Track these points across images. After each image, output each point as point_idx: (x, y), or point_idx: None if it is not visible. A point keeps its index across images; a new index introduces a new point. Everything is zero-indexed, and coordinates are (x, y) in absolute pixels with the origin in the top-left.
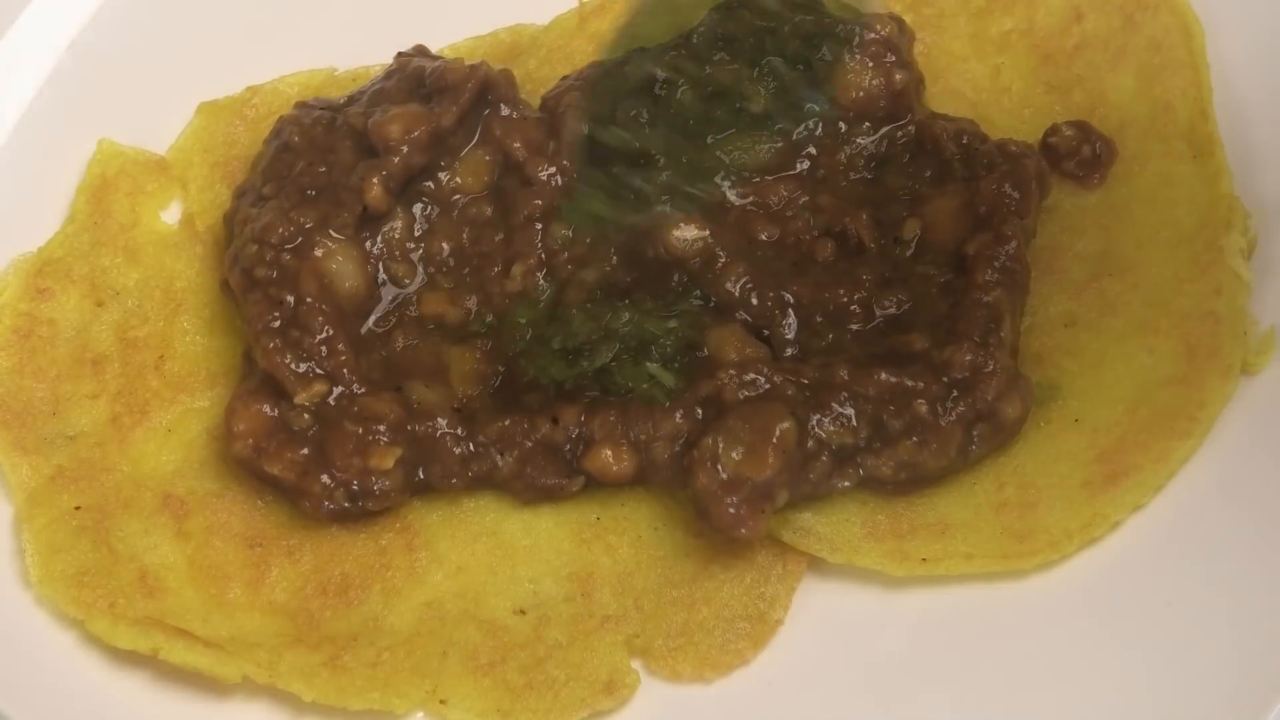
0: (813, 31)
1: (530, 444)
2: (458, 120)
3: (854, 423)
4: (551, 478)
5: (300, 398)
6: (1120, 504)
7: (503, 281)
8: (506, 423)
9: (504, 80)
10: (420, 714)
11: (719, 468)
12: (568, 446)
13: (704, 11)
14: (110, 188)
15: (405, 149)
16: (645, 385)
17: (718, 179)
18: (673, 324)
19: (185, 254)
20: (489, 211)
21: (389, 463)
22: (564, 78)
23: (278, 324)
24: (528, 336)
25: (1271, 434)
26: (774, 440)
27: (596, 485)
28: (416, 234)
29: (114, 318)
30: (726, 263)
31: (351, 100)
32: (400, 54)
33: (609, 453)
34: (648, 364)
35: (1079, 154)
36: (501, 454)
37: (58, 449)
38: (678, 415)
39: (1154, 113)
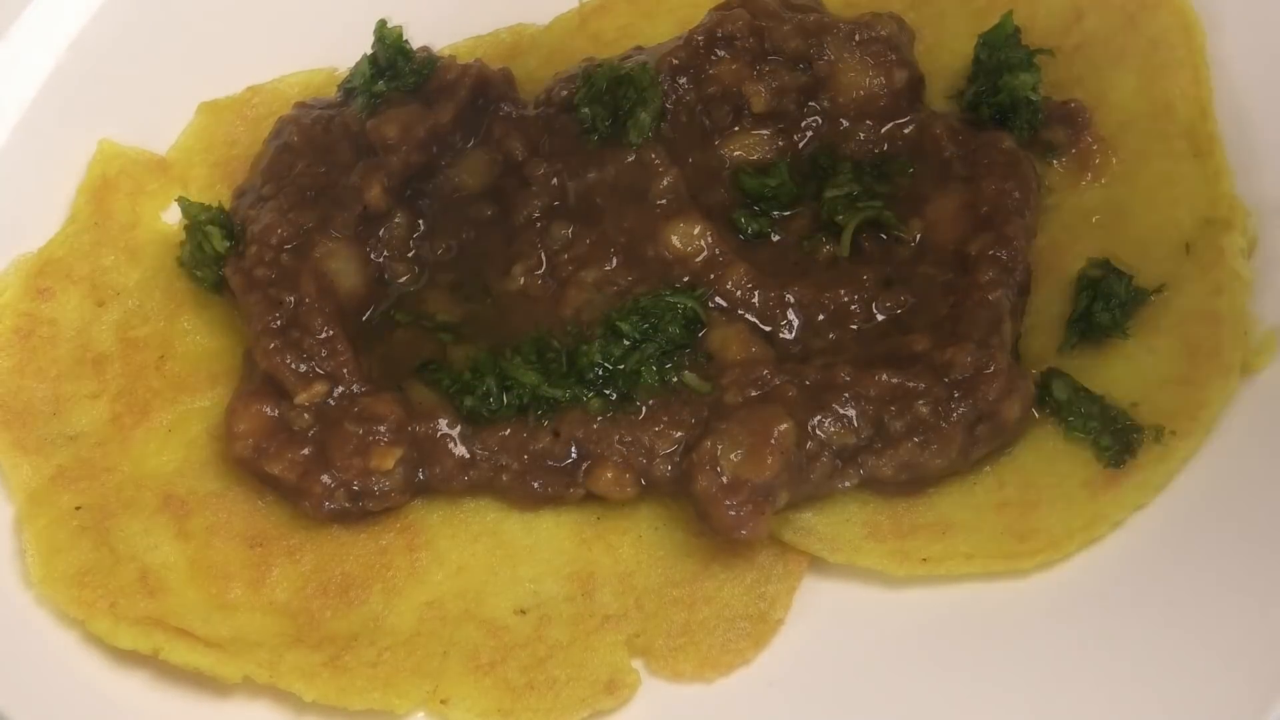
0: (813, 31)
1: (529, 455)
2: (454, 118)
3: (855, 423)
4: (551, 487)
5: (301, 398)
6: (1121, 504)
7: (503, 281)
8: (507, 431)
9: (501, 79)
10: (421, 714)
11: (718, 470)
12: (568, 460)
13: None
14: (111, 188)
15: (404, 148)
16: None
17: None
18: (674, 329)
19: None
20: (489, 211)
21: (390, 463)
22: (556, 74)
23: (278, 324)
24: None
25: (1271, 434)
26: (773, 442)
27: None
28: (416, 234)
29: (115, 317)
30: (727, 263)
31: (347, 96)
32: None
33: (611, 475)
34: (685, 374)
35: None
36: (501, 462)
37: (58, 449)
38: (677, 433)
39: (1154, 112)
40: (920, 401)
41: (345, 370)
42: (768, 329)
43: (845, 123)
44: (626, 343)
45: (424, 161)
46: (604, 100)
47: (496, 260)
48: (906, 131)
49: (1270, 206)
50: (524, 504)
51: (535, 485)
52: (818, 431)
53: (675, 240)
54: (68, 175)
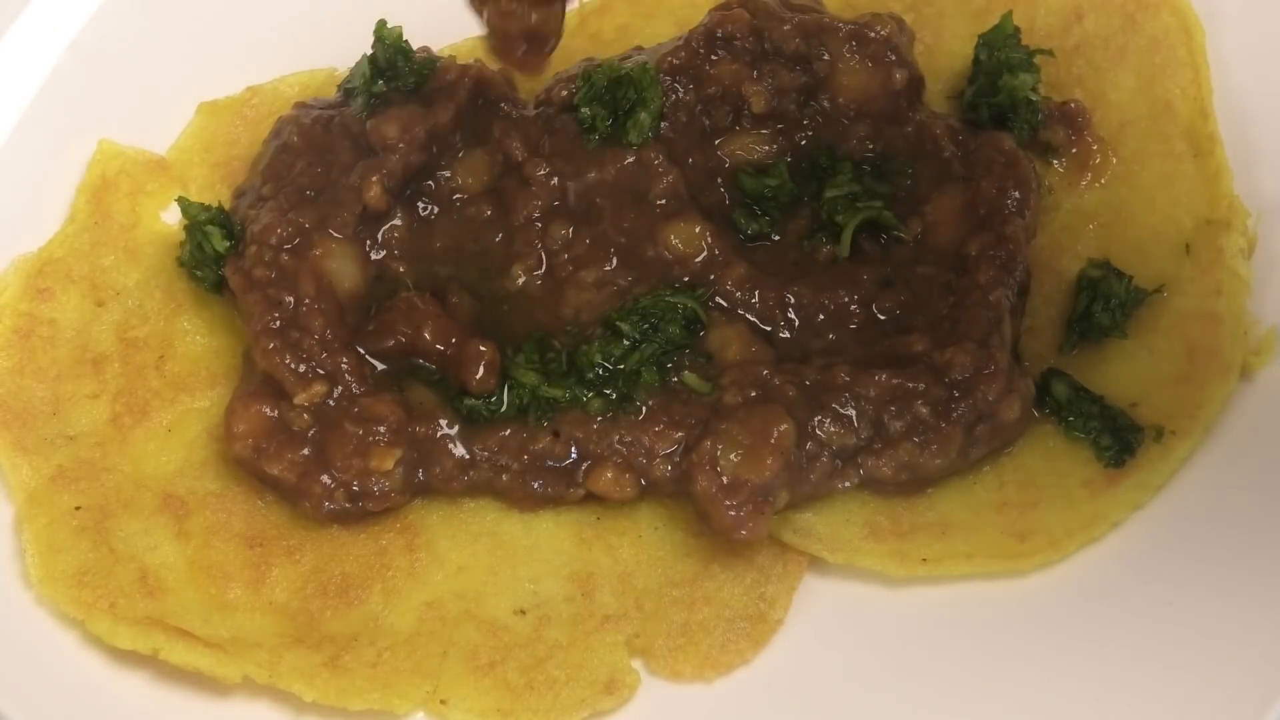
0: (812, 31)
1: (529, 455)
2: (454, 119)
3: (855, 424)
4: (551, 487)
5: (300, 398)
6: (1121, 504)
7: (502, 281)
8: (507, 432)
9: (501, 79)
10: (420, 714)
11: (718, 470)
12: (568, 461)
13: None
14: (110, 188)
15: (403, 148)
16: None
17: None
18: (674, 329)
19: None
20: (489, 211)
21: (389, 463)
22: (556, 74)
23: (277, 324)
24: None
25: (1271, 434)
26: (773, 442)
27: None
28: (416, 234)
29: (114, 318)
30: (727, 263)
31: (347, 96)
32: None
33: (610, 475)
34: (685, 374)
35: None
36: (501, 463)
37: (58, 449)
38: (677, 433)
39: (1154, 112)
40: (920, 402)
41: (344, 370)
42: (767, 329)
43: (845, 123)
44: (626, 343)
45: (423, 162)
46: (604, 100)
47: (496, 260)
48: (906, 132)
49: (1270, 206)
50: (524, 504)
51: (535, 485)
52: (817, 432)
53: (675, 240)
54: (68, 175)
